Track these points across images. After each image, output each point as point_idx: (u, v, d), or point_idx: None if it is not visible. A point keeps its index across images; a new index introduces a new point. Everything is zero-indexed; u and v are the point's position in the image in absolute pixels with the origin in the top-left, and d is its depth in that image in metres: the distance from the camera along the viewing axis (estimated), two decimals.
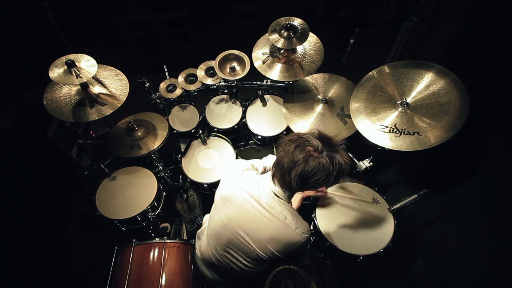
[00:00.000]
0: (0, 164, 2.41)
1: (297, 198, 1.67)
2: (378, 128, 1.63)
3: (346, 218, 1.81)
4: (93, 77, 1.71)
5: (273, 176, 1.18)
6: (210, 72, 2.19)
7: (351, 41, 1.94)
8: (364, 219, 1.80)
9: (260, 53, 1.99)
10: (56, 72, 1.57)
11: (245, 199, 1.22)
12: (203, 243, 1.53)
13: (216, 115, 2.35)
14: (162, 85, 2.23)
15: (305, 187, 1.11)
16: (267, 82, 2.13)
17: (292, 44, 1.79)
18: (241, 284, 1.63)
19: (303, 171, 1.04)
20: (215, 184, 2.10)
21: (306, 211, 2.01)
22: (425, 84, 1.63)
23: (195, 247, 1.67)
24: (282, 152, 1.10)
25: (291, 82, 2.09)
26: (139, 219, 2.04)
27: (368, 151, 1.87)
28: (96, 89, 1.77)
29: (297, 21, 1.83)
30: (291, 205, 1.25)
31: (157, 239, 1.78)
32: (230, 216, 1.27)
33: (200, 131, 2.21)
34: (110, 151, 1.98)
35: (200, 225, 1.73)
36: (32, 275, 2.21)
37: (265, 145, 2.34)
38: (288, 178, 1.08)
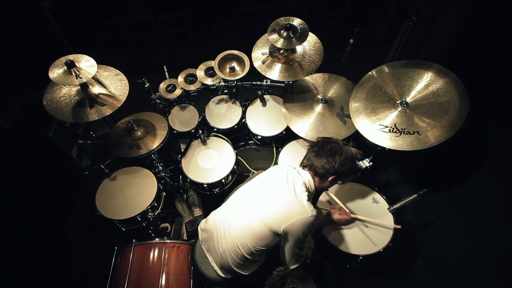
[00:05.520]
0: (0, 165, 2.41)
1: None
2: (378, 128, 1.63)
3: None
4: (92, 78, 1.72)
5: (304, 166, 1.49)
6: (209, 72, 2.20)
7: (351, 41, 1.94)
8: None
9: (259, 53, 1.99)
10: (56, 72, 1.58)
11: (277, 168, 1.55)
12: (216, 223, 1.57)
13: (216, 115, 2.35)
14: (162, 85, 2.23)
15: (337, 171, 1.39)
16: (266, 82, 2.13)
17: (292, 44, 1.79)
18: (240, 284, 1.63)
19: (341, 157, 1.38)
20: (215, 184, 2.10)
21: None
22: (425, 83, 1.63)
23: (195, 246, 1.67)
24: (318, 147, 1.45)
25: (290, 82, 2.09)
26: (139, 219, 2.04)
27: (368, 150, 1.87)
28: (96, 89, 1.77)
29: (296, 21, 1.84)
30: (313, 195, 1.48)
31: (157, 239, 1.79)
32: (260, 177, 1.56)
33: (200, 131, 2.21)
34: (110, 151, 1.98)
35: None
36: (32, 275, 2.21)
37: (265, 145, 2.34)
38: (325, 164, 1.39)
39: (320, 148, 1.43)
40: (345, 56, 2.02)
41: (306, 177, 1.45)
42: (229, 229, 1.46)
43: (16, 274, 2.18)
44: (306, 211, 1.32)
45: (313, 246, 1.60)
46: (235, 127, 2.28)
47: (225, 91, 2.33)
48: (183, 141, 2.36)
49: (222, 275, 1.54)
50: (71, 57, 1.60)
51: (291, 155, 2.11)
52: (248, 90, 2.22)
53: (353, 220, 1.74)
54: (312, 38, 1.97)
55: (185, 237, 2.27)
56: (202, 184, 2.08)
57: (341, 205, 1.77)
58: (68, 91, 1.76)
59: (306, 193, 1.39)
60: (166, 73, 2.25)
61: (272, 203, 1.39)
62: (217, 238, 1.51)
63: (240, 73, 2.07)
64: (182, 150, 2.25)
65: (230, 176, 2.20)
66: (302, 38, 1.80)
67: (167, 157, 2.35)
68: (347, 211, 1.74)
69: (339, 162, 1.38)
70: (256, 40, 2.05)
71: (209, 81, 2.17)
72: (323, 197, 1.90)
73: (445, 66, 1.62)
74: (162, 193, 2.26)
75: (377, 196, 1.86)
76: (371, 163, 1.93)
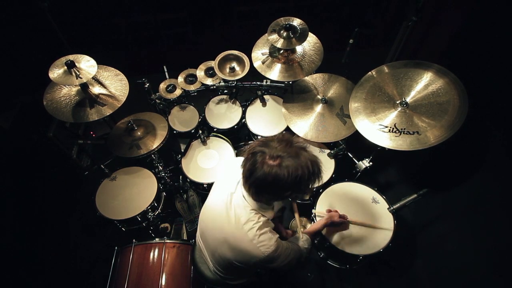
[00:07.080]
0: (1, 165, 2.42)
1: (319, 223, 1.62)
2: (377, 128, 1.63)
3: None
4: (93, 78, 1.72)
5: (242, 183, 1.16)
6: (209, 73, 2.20)
7: (351, 41, 1.94)
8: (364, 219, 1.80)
9: (259, 53, 1.99)
10: (56, 72, 1.58)
11: (222, 190, 1.26)
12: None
13: (216, 115, 2.35)
14: (162, 86, 2.23)
15: (263, 196, 1.09)
16: (266, 82, 2.13)
17: (292, 44, 1.79)
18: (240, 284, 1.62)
19: (257, 181, 1.02)
20: None
21: (306, 211, 2.02)
22: (424, 83, 1.63)
23: (195, 246, 1.67)
24: (244, 160, 1.09)
25: (290, 82, 2.09)
26: (139, 219, 2.04)
27: (368, 150, 1.87)
28: (96, 89, 1.78)
29: (296, 21, 1.84)
30: (268, 213, 1.20)
31: (157, 239, 1.79)
32: (205, 205, 1.37)
33: (200, 131, 2.21)
34: (110, 151, 1.98)
35: None
36: (32, 275, 2.21)
37: None
38: (247, 187, 1.10)
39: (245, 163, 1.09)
40: (345, 56, 2.02)
41: (250, 200, 1.16)
42: (205, 256, 1.46)
43: (16, 274, 2.18)
44: (260, 252, 1.11)
45: (310, 246, 1.56)
46: (235, 127, 2.28)
47: (225, 91, 2.33)
48: (183, 141, 2.36)
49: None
50: (71, 57, 1.60)
51: None
52: (248, 90, 2.22)
53: (345, 222, 1.74)
54: (312, 38, 1.97)
55: (185, 237, 2.27)
56: (202, 184, 2.08)
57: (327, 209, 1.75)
58: (68, 91, 1.76)
59: (254, 221, 1.13)
60: (166, 73, 2.25)
61: (225, 246, 1.21)
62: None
63: (240, 73, 2.07)
64: (182, 150, 2.25)
65: None
66: (302, 38, 1.80)
67: (167, 157, 2.35)
68: (341, 214, 1.73)
69: (249, 184, 1.05)
70: (256, 40, 2.05)
71: (209, 81, 2.17)
72: (322, 202, 1.89)
73: (445, 66, 1.62)
74: (162, 193, 2.26)
75: (377, 196, 1.86)
76: (371, 163, 1.93)
